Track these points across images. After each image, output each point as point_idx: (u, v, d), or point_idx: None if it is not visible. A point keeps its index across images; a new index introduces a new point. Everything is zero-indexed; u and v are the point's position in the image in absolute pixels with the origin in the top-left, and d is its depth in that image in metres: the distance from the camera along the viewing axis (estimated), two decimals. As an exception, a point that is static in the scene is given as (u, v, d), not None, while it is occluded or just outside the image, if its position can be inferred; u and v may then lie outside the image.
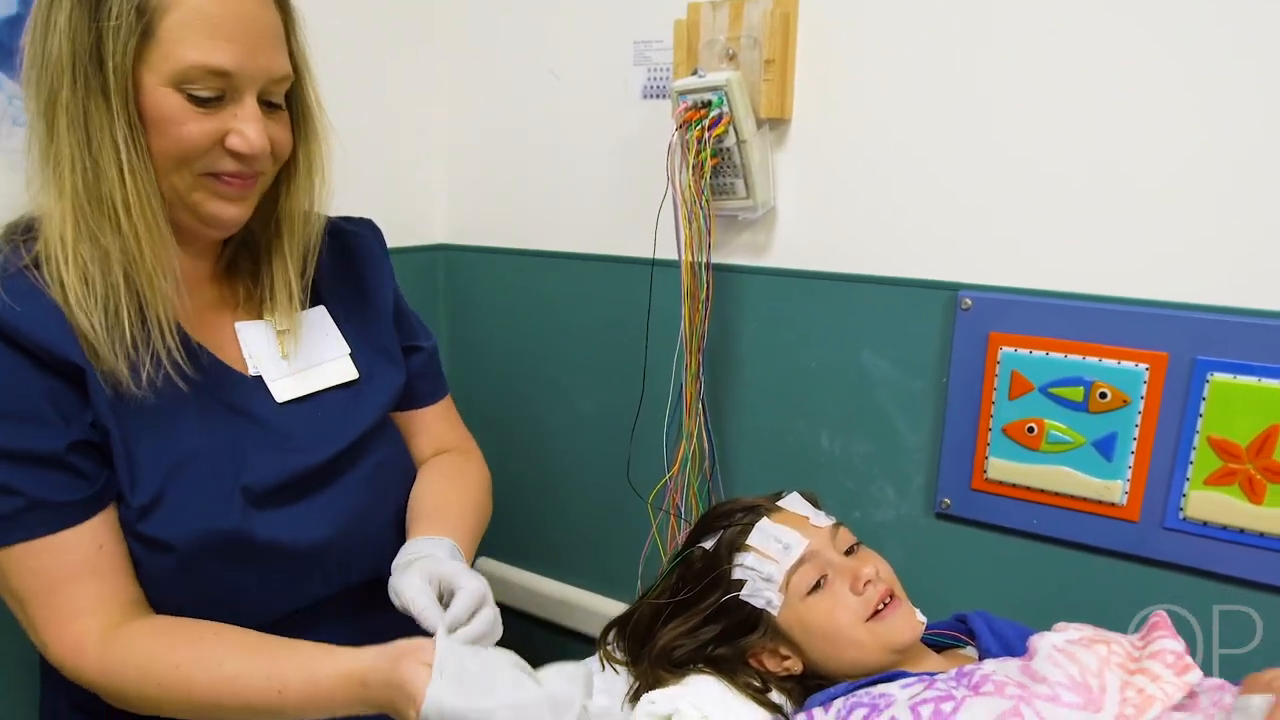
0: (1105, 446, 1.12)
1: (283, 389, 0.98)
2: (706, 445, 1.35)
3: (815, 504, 1.11)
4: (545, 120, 1.52)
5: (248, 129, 0.86)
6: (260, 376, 0.98)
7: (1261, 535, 1.05)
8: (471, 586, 0.86)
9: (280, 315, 1.00)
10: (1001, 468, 1.19)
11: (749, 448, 1.39)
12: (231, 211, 0.91)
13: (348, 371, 1.04)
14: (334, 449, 0.98)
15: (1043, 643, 0.95)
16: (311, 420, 0.99)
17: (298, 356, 1.01)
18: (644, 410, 1.37)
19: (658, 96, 1.38)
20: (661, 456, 1.34)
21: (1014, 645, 1.05)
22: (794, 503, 1.09)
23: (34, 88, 0.83)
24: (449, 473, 1.13)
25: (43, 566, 0.83)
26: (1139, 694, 0.87)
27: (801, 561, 1.02)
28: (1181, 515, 1.09)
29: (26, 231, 0.87)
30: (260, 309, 1.01)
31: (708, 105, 1.24)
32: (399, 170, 1.60)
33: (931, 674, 0.98)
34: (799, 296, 1.31)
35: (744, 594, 1.03)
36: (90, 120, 0.81)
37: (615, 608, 1.20)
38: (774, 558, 1.02)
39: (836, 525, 1.08)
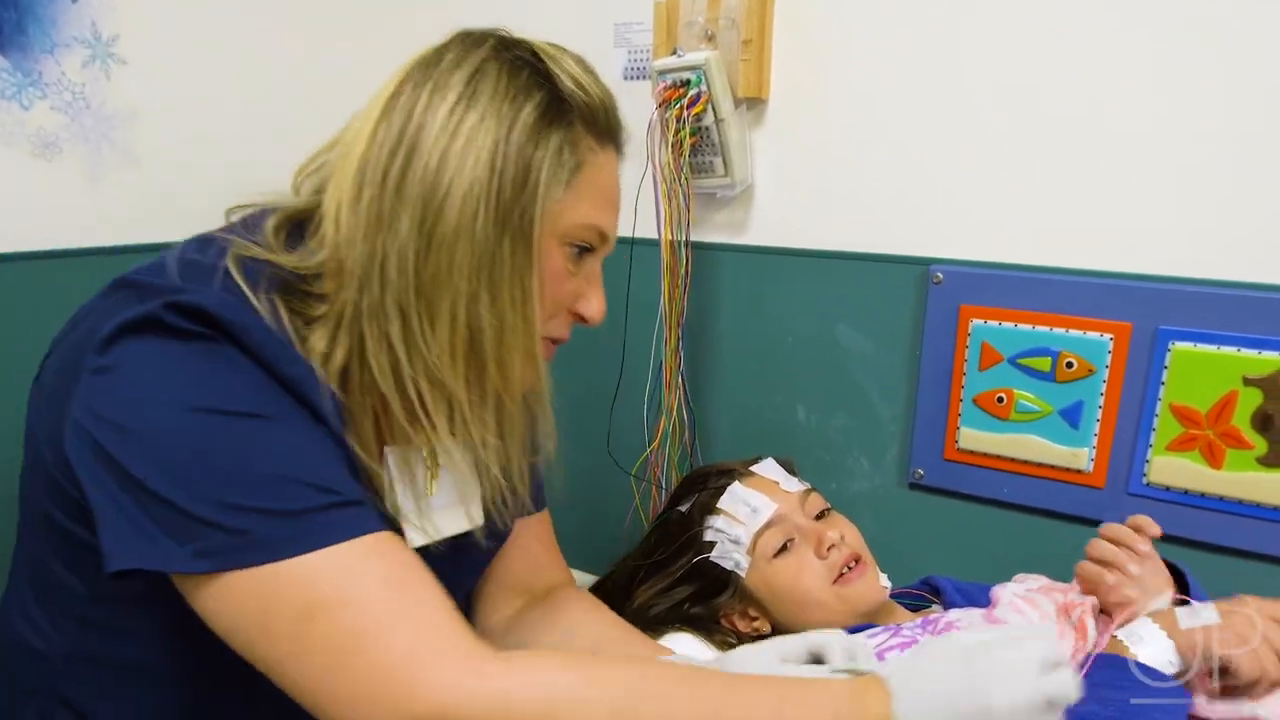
0: (1072, 415, 1.17)
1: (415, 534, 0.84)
2: (686, 419, 1.40)
3: (790, 470, 1.16)
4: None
5: (598, 297, 0.84)
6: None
7: (1221, 499, 1.10)
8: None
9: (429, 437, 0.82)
10: (972, 438, 1.24)
11: (728, 421, 1.44)
12: (545, 379, 0.83)
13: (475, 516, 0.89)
14: None
15: (1004, 592, 1.00)
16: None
17: (442, 491, 0.87)
18: (624, 385, 1.42)
19: (638, 78, 1.43)
20: (642, 430, 1.39)
21: (979, 598, 1.11)
22: (767, 468, 1.14)
23: (412, 196, 0.72)
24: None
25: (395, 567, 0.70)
26: (1082, 630, 0.93)
27: (769, 525, 1.07)
28: (1145, 481, 1.14)
29: (298, 296, 0.75)
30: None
31: (686, 84, 1.29)
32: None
33: (898, 625, 1.03)
34: (776, 273, 1.35)
35: (714, 555, 1.08)
36: (498, 256, 0.73)
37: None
38: (742, 520, 1.07)
39: (808, 491, 1.13)
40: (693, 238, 1.35)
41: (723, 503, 1.09)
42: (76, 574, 0.76)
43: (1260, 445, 1.07)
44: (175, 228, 0.94)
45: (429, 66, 0.75)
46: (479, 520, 0.88)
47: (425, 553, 0.84)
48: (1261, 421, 1.07)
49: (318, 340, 0.74)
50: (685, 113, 1.29)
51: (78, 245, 1.22)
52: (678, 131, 1.30)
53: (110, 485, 0.66)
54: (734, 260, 1.38)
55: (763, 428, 1.41)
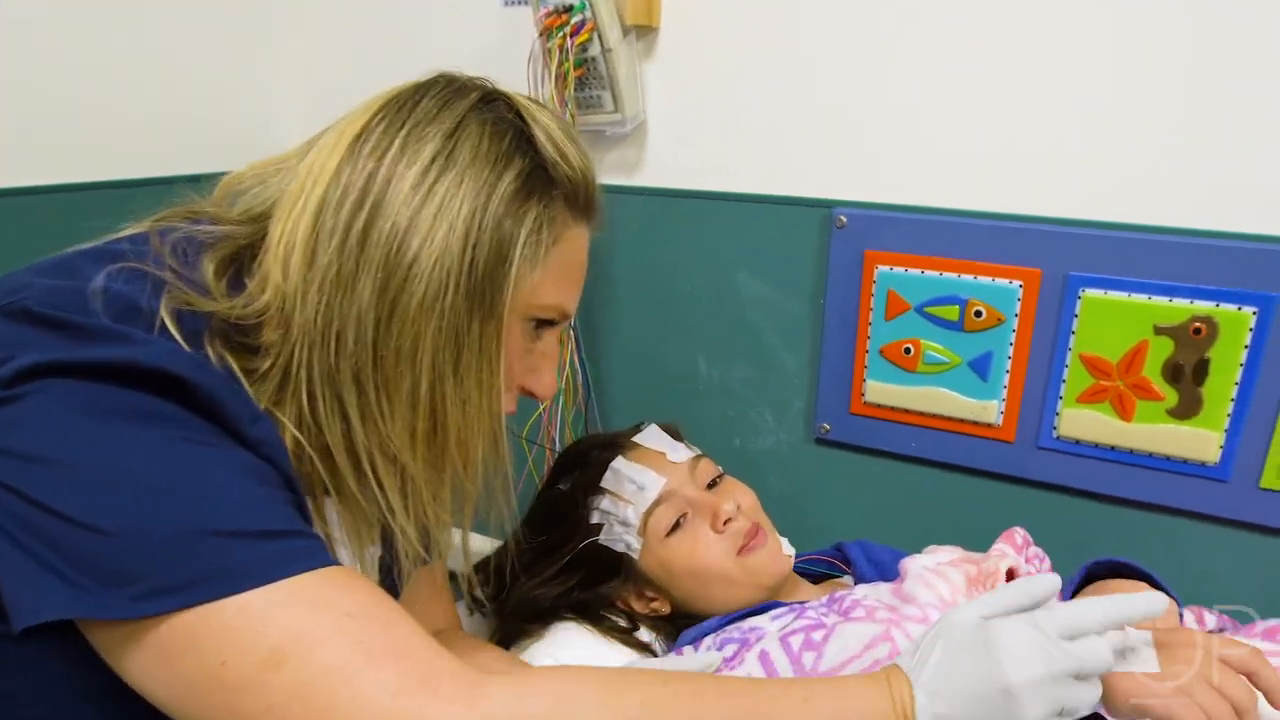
0: (981, 366, 1.14)
1: None
2: (580, 374, 1.34)
3: (676, 436, 1.10)
4: (401, 31, 1.45)
5: (550, 373, 0.80)
6: None
7: (1132, 452, 1.08)
8: None
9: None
10: (879, 390, 1.20)
11: (625, 375, 1.38)
12: (500, 460, 0.79)
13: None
14: None
15: (913, 565, 0.97)
16: None
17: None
18: (514, 341, 1.34)
19: (519, 3, 1.33)
20: (534, 389, 1.32)
21: (889, 570, 1.07)
22: (651, 437, 1.08)
23: (376, 258, 0.66)
24: None
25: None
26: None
27: (658, 502, 1.02)
28: (1055, 434, 1.12)
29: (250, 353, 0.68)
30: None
31: (569, 10, 1.19)
32: (250, 90, 1.52)
33: (803, 603, 1.00)
34: (671, 216, 1.28)
35: (602, 539, 1.03)
36: (466, 335, 0.68)
37: (495, 546, 1.19)
38: (629, 499, 1.02)
39: (697, 458, 1.07)
40: (582, 179, 1.26)
41: (606, 481, 1.04)
42: None
43: (1171, 396, 1.05)
44: None
45: (404, 109, 0.70)
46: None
47: None
48: (1172, 372, 1.04)
49: (265, 399, 0.67)
50: (569, 42, 1.19)
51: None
52: (561, 63, 1.21)
53: (9, 527, 0.57)
54: (626, 204, 1.31)
55: (662, 381, 1.35)
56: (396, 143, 0.68)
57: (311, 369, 0.67)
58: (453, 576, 1.14)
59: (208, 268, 0.69)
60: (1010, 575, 0.93)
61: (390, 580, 0.86)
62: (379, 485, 0.70)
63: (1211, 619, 1.00)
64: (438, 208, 0.66)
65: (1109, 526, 1.11)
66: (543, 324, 0.76)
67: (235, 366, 0.66)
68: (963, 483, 1.19)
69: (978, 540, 1.09)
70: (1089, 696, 0.66)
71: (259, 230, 0.71)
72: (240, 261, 0.71)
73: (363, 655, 0.57)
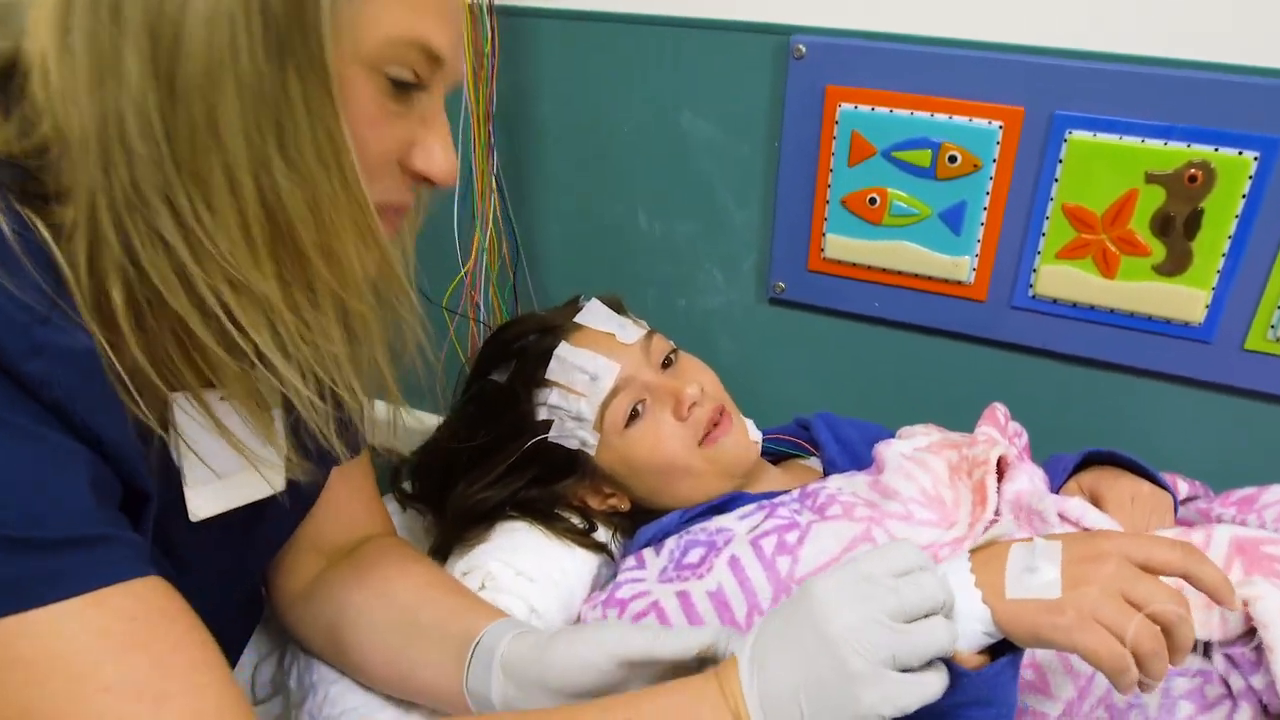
0: (953, 218, 1.05)
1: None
2: (505, 232, 1.22)
3: (620, 310, 1.01)
4: None
5: (440, 144, 0.62)
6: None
7: (1112, 312, 1.02)
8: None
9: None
10: (840, 245, 1.11)
11: (556, 232, 1.27)
12: (397, 263, 0.65)
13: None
14: None
15: (890, 452, 0.91)
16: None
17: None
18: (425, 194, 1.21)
19: None
20: (454, 249, 1.20)
21: (859, 451, 1.02)
22: (596, 316, 0.98)
23: (134, 21, 0.50)
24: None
25: None
26: (980, 496, 0.85)
27: (614, 391, 0.93)
28: (1031, 293, 1.05)
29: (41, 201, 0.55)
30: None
31: None
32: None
33: (772, 496, 0.94)
34: (604, 45, 1.14)
35: (553, 437, 0.94)
36: (282, 98, 0.53)
37: (422, 421, 1.10)
38: (581, 392, 0.93)
39: (649, 335, 0.98)
40: (497, 1, 1.11)
41: (552, 372, 0.94)
42: None
43: (1158, 251, 0.98)
44: None
45: None
46: (279, 485, 0.71)
47: (213, 526, 0.70)
48: (1161, 224, 0.97)
49: (82, 274, 0.55)
50: None
51: None
52: None
53: None
54: (552, 30, 1.15)
55: (599, 238, 1.25)
56: None
57: (113, 199, 0.53)
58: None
59: None
60: (1001, 464, 0.87)
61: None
62: (238, 329, 0.56)
63: (1185, 486, 0.98)
64: None
65: (1085, 391, 1.07)
66: (409, 86, 0.59)
67: (37, 223, 0.54)
68: (930, 345, 1.13)
69: (947, 410, 1.04)
70: (930, 640, 0.58)
71: (16, 47, 0.56)
72: (5, 82, 0.56)
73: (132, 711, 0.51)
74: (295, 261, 0.57)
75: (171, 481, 0.66)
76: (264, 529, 0.79)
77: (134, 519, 0.58)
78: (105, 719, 0.50)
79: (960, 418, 1.02)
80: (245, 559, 0.82)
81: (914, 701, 0.57)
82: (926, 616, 0.59)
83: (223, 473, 0.68)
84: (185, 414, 0.63)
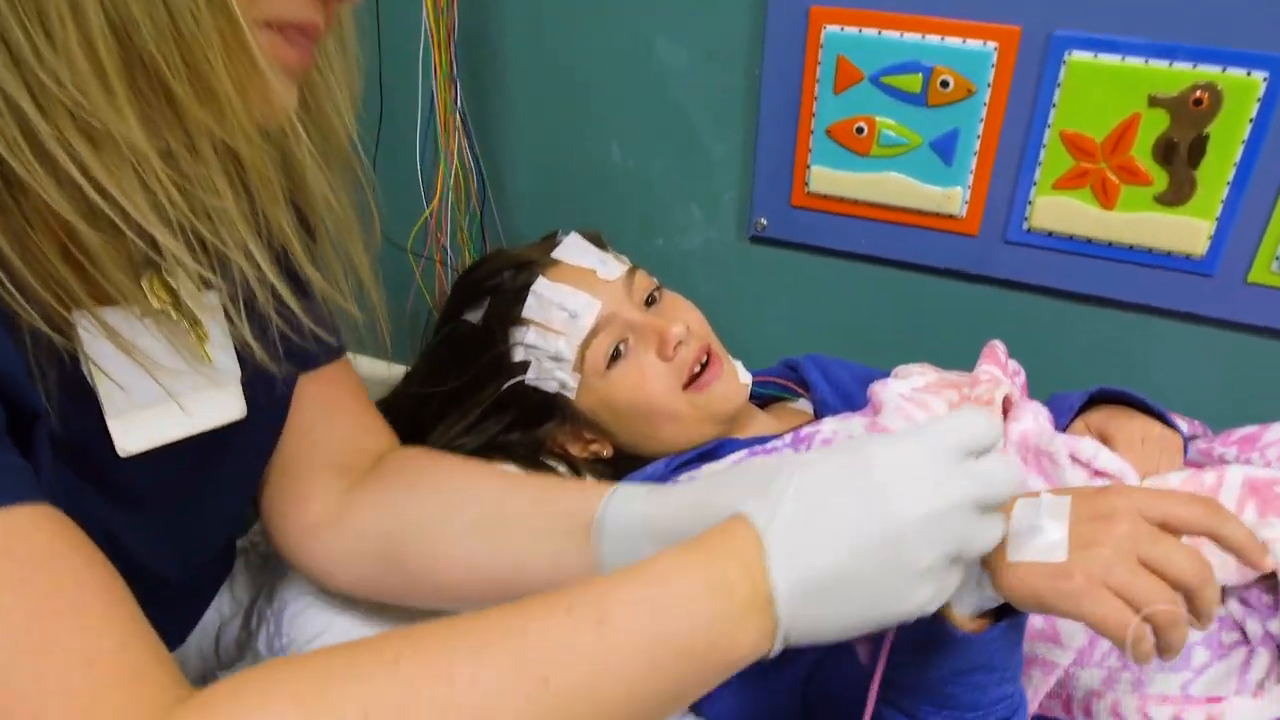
0: (945, 147, 1.00)
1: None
2: (472, 168, 1.16)
3: (600, 245, 0.95)
4: None
5: None
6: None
7: (1110, 245, 0.98)
8: None
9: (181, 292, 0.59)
10: (825, 178, 1.06)
11: (525, 167, 1.22)
12: (289, 98, 0.53)
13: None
14: None
15: (887, 393, 0.86)
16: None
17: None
18: (386, 132, 1.14)
19: None
20: (417, 188, 1.14)
21: (852, 393, 0.97)
22: (575, 251, 0.93)
23: None
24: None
25: None
26: None
27: (595, 330, 0.88)
28: (1026, 226, 1.00)
29: None
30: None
31: None
32: None
33: (764, 440, 0.89)
34: (572, -33, 1.07)
35: (530, 379, 0.89)
36: None
37: (392, 371, 1.05)
38: (560, 330, 0.88)
39: (631, 270, 0.93)
40: (457, -82, 1.04)
41: (529, 310, 0.89)
42: None
43: (1160, 180, 0.93)
44: None
45: None
46: (234, 410, 0.63)
47: (163, 457, 0.61)
48: (1164, 151, 0.92)
49: None
50: None
51: None
52: None
53: None
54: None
55: (569, 173, 1.19)
56: None
57: None
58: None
59: None
60: (1006, 404, 0.83)
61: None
62: (102, 194, 0.46)
63: (1184, 425, 0.95)
64: None
65: (1081, 328, 1.03)
66: None
67: None
68: (920, 283, 1.08)
69: (938, 350, 1.00)
70: (991, 534, 0.53)
71: None
72: None
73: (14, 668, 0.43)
74: (159, 97, 0.47)
75: (93, 409, 0.58)
76: (228, 457, 0.70)
77: (24, 444, 0.51)
78: None
79: (951, 358, 0.98)
80: (209, 493, 0.73)
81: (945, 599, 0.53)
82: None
83: (147, 401, 0.59)
84: (90, 334, 0.55)
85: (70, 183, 0.46)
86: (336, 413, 0.80)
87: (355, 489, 0.78)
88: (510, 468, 0.90)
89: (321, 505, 0.78)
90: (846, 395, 0.95)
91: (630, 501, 0.66)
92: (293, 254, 0.57)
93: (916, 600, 0.51)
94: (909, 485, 0.51)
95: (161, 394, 0.59)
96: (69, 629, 0.45)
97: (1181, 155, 0.92)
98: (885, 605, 0.51)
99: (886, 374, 0.93)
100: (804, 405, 1.03)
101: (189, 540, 0.75)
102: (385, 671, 0.47)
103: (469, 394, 0.90)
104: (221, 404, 0.63)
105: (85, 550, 0.49)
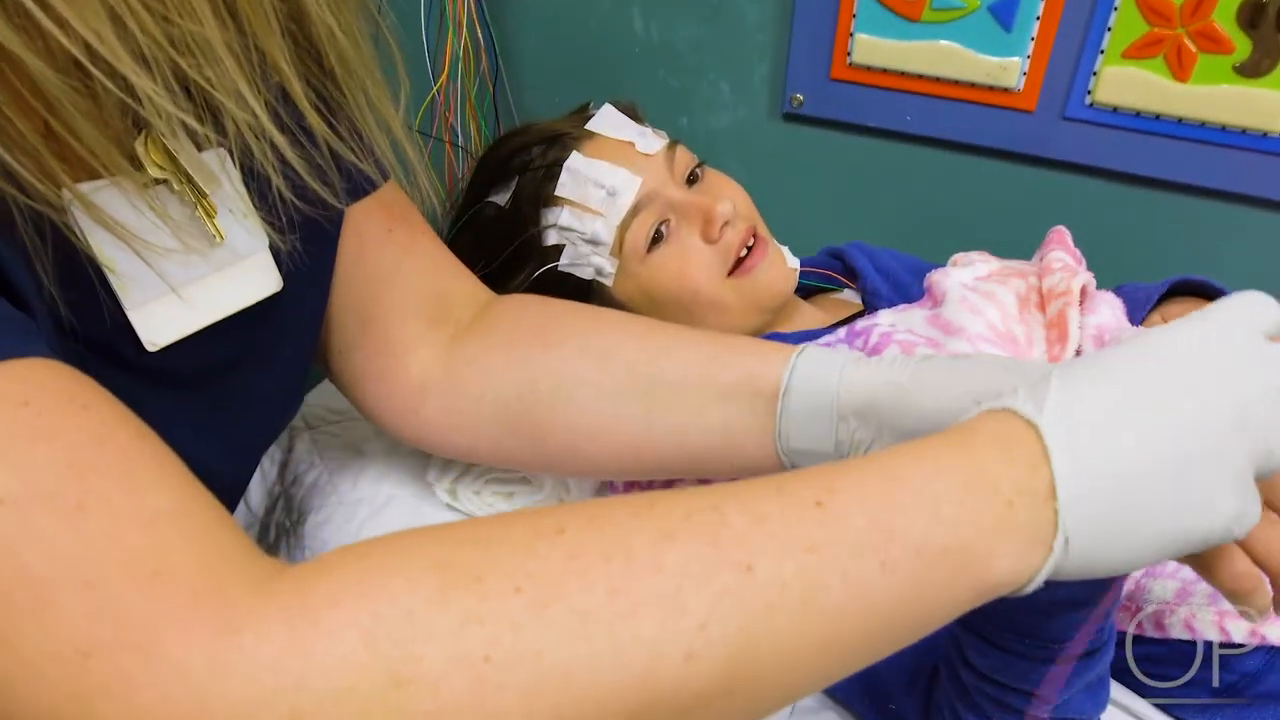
0: (1005, 11, 0.92)
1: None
2: (483, 39, 1.08)
3: (636, 118, 0.88)
4: None
5: None
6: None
7: (1180, 121, 0.91)
8: None
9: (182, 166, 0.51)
10: (870, 47, 0.98)
11: (539, 39, 1.14)
12: None
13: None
14: None
15: (949, 281, 0.79)
16: None
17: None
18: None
19: None
20: (424, 62, 1.06)
21: (906, 283, 0.91)
22: (609, 122, 0.85)
23: None
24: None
25: None
26: (1059, 332, 0.75)
27: (635, 209, 0.81)
28: (1089, 100, 0.93)
29: None
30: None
31: None
32: None
33: (814, 335, 0.83)
34: None
35: (563, 264, 0.83)
36: None
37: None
38: (598, 210, 0.81)
39: (672, 145, 0.85)
40: None
41: (563, 188, 0.82)
42: None
43: (1243, 48, 0.85)
44: None
45: None
46: (267, 284, 0.56)
47: (199, 342, 0.54)
48: (1251, 14, 0.84)
49: None
50: None
51: None
52: None
53: None
54: None
55: (587, 45, 1.12)
56: None
57: None
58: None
59: None
60: (1082, 295, 0.76)
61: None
62: (59, 24, 0.38)
63: None
64: None
65: (1145, 217, 0.97)
66: None
67: None
68: (970, 165, 1.02)
69: (989, 239, 0.93)
70: None
71: None
72: None
73: (75, 545, 0.35)
74: None
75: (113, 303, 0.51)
76: (271, 328, 0.61)
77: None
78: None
79: (1003, 247, 0.91)
80: (255, 368, 0.63)
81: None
82: None
83: (164, 290, 0.51)
84: (86, 222, 0.47)
85: (22, 13, 0.38)
86: (410, 252, 0.70)
87: (465, 342, 0.69)
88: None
89: (425, 362, 0.69)
90: (899, 284, 0.89)
91: (824, 365, 0.58)
92: (292, 94, 0.49)
93: (1226, 510, 0.41)
94: (1211, 368, 0.43)
95: (180, 281, 0.52)
96: (116, 488, 0.37)
97: (1270, 19, 0.84)
98: (1190, 519, 0.41)
99: (937, 265, 0.87)
100: (850, 295, 0.97)
101: (241, 427, 0.66)
102: (546, 543, 0.39)
103: (496, 283, 0.83)
104: (250, 281, 0.55)
105: (118, 405, 0.41)
